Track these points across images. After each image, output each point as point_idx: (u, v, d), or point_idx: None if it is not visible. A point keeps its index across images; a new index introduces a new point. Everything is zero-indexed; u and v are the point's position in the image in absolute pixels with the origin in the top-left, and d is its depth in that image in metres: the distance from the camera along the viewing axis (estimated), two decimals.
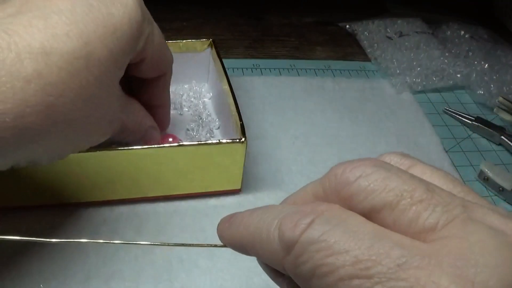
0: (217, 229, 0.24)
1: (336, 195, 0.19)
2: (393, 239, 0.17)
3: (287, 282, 0.22)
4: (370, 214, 0.18)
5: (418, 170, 0.20)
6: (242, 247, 0.22)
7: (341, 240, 0.17)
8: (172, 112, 0.46)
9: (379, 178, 0.18)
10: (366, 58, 0.60)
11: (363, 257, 0.16)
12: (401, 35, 0.61)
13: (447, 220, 0.17)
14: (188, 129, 0.44)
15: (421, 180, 0.18)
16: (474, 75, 0.56)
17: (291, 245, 0.18)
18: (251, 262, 0.35)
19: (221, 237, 0.24)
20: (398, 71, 0.55)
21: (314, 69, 0.57)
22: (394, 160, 0.21)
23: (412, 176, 0.18)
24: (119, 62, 0.28)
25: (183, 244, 0.28)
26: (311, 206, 0.19)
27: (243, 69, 0.55)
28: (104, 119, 0.29)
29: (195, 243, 0.28)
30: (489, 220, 0.17)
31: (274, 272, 0.23)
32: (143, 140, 0.36)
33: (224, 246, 0.24)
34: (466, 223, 0.16)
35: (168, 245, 0.33)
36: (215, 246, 0.24)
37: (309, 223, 0.18)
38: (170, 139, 0.41)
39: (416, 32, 0.62)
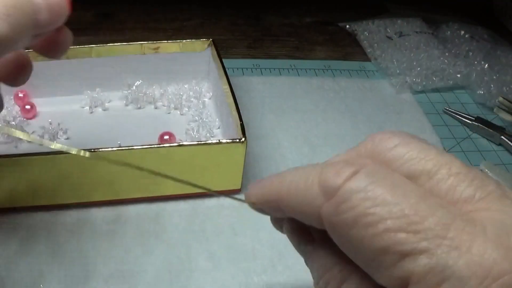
0: (246, 194, 0.24)
1: (372, 160, 0.19)
2: (437, 201, 0.17)
3: (311, 249, 0.22)
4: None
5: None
6: (274, 201, 0.21)
7: (389, 193, 0.16)
8: (172, 112, 0.46)
9: (418, 148, 0.19)
10: (366, 58, 0.60)
11: (410, 212, 0.16)
12: (401, 35, 0.61)
13: (483, 194, 0.17)
14: (188, 129, 0.44)
15: (456, 157, 0.19)
16: (474, 75, 0.56)
17: (333, 191, 0.17)
18: (251, 262, 0.35)
19: (249, 195, 0.23)
20: (398, 71, 0.55)
21: (314, 69, 0.57)
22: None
23: (447, 153, 0.19)
24: None
25: (196, 184, 0.26)
26: (352, 157, 0.19)
27: (243, 69, 0.55)
28: None
29: (212, 191, 0.26)
30: None
31: (301, 236, 0.22)
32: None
33: (253, 203, 0.23)
34: (502, 198, 0.17)
35: (182, 181, 0.28)
36: (236, 199, 0.23)
37: (353, 172, 0.17)
38: (167, 137, 0.41)
39: (416, 32, 0.62)
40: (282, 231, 0.25)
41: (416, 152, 0.19)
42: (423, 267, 0.15)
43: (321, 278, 0.20)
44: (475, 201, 0.17)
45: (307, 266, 0.22)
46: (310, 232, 0.22)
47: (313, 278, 0.21)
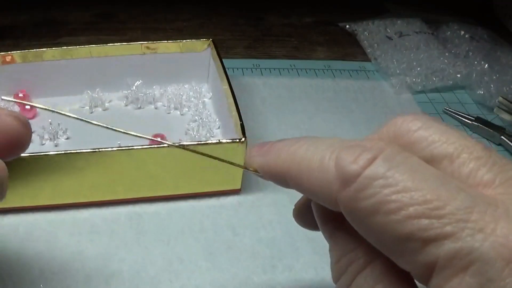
0: (246, 157, 0.22)
1: (397, 141, 0.19)
2: (458, 185, 0.16)
3: (336, 226, 0.21)
4: (429, 164, 0.18)
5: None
6: (281, 176, 0.20)
7: (409, 178, 0.16)
8: (172, 112, 0.46)
9: (440, 131, 0.19)
10: (366, 58, 0.60)
11: (432, 197, 0.16)
12: (401, 35, 0.61)
13: (503, 179, 0.17)
14: (188, 129, 0.44)
15: (479, 140, 0.19)
16: (474, 75, 0.56)
17: (352, 178, 0.17)
18: (251, 262, 0.35)
19: (253, 163, 0.22)
20: (398, 71, 0.55)
21: (314, 69, 0.57)
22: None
23: (470, 136, 0.19)
24: None
25: (203, 153, 0.24)
26: (370, 141, 0.18)
27: (243, 69, 0.55)
28: None
29: (220, 158, 0.25)
30: None
31: (326, 214, 0.22)
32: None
33: (255, 171, 0.22)
34: None
35: (189, 149, 0.27)
36: (245, 168, 0.22)
37: (372, 157, 0.17)
38: (159, 139, 0.41)
39: (416, 32, 0.62)
40: (306, 227, 0.24)
41: (438, 135, 0.18)
42: (448, 252, 0.15)
43: (343, 257, 0.19)
44: (495, 186, 0.17)
45: (328, 244, 0.21)
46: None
47: (331, 257, 0.21)
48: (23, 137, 0.23)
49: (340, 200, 0.18)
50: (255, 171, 0.22)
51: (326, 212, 0.21)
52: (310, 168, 0.19)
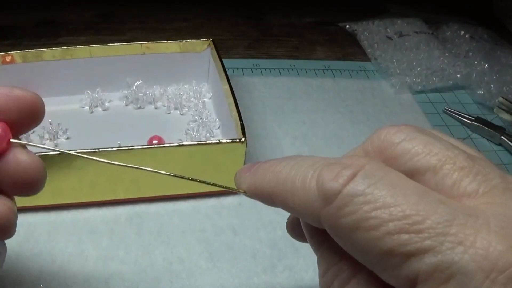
0: (236, 178, 0.23)
1: (379, 156, 0.20)
2: (438, 197, 0.17)
3: (322, 240, 0.21)
4: (412, 176, 0.18)
5: (452, 141, 0.20)
6: (267, 196, 0.21)
7: (388, 194, 0.16)
8: (172, 112, 0.46)
9: (423, 143, 0.19)
10: (366, 58, 0.60)
11: (411, 212, 0.16)
12: (401, 35, 0.61)
13: (487, 188, 0.17)
14: (188, 129, 0.44)
15: (462, 149, 0.19)
16: (474, 75, 0.56)
17: (333, 196, 0.17)
18: (251, 262, 0.35)
19: (241, 184, 0.23)
20: (398, 71, 0.55)
21: (314, 69, 0.56)
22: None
23: (453, 145, 0.19)
24: None
25: (183, 176, 0.24)
26: (350, 158, 0.19)
27: (243, 69, 0.55)
28: None
29: (215, 184, 0.25)
30: None
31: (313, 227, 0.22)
32: None
33: (244, 192, 0.23)
34: (505, 191, 0.17)
35: (178, 176, 0.26)
36: (233, 189, 0.23)
37: (351, 174, 0.17)
38: (155, 141, 0.41)
39: (416, 32, 0.62)
40: (298, 239, 0.24)
41: (422, 146, 0.19)
42: (429, 265, 0.15)
43: (329, 270, 0.20)
44: (479, 196, 0.17)
45: (316, 256, 0.22)
46: None
47: (319, 270, 0.21)
48: (38, 106, 0.23)
49: (322, 218, 0.18)
50: (245, 192, 0.22)
51: (313, 227, 0.21)
52: (294, 188, 0.19)
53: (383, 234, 0.16)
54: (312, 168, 0.19)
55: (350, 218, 0.17)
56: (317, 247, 0.21)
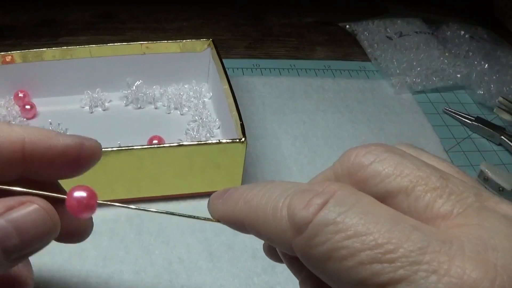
0: (208, 205, 0.23)
1: (349, 179, 0.19)
2: (411, 223, 0.16)
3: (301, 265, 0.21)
4: (384, 199, 0.18)
5: (425, 158, 0.20)
6: (240, 224, 0.20)
7: (359, 223, 0.16)
8: (172, 112, 0.46)
9: (394, 163, 0.18)
10: (366, 58, 0.60)
11: (383, 241, 0.15)
12: (401, 35, 0.61)
13: (461, 208, 0.17)
14: (188, 129, 0.44)
15: (434, 168, 0.18)
16: (474, 75, 0.56)
17: (304, 226, 0.17)
18: (251, 262, 0.35)
19: (213, 212, 0.22)
20: (398, 71, 0.55)
21: (314, 69, 0.57)
22: (403, 147, 0.20)
23: (426, 163, 0.18)
24: None
25: (172, 213, 0.24)
26: (321, 185, 0.18)
27: (243, 69, 0.55)
28: None
29: (188, 215, 0.24)
30: (500, 208, 0.17)
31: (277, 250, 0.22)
32: None
33: (218, 221, 0.22)
34: (480, 211, 0.16)
35: (157, 211, 0.25)
36: (207, 219, 0.22)
37: (322, 203, 0.17)
38: (155, 141, 0.41)
39: (416, 32, 0.62)
40: (278, 262, 0.24)
41: (392, 168, 0.18)
42: None
43: None
44: (453, 217, 0.16)
45: (299, 281, 0.22)
46: None
47: None
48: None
49: (294, 248, 0.18)
50: (218, 221, 0.22)
51: (289, 255, 0.21)
52: (265, 217, 0.19)
53: (356, 264, 0.15)
54: (283, 196, 0.18)
55: (322, 248, 0.16)
56: (297, 273, 0.22)
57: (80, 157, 0.24)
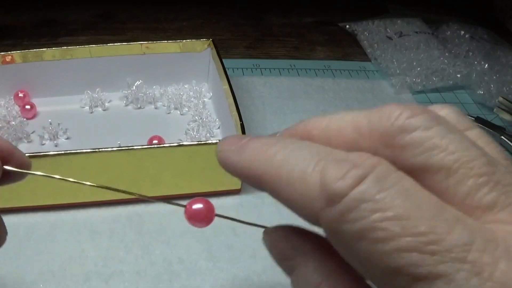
0: (218, 152, 0.20)
1: (384, 139, 0.17)
2: (454, 213, 0.14)
3: (302, 260, 0.19)
4: (419, 173, 0.16)
5: (473, 135, 0.17)
6: (256, 180, 0.18)
7: (401, 205, 0.14)
8: (172, 112, 0.46)
9: (440, 136, 0.16)
10: (366, 58, 0.60)
11: (426, 229, 0.14)
12: (401, 35, 0.61)
13: (506, 203, 0.15)
14: (188, 129, 0.44)
15: (483, 151, 0.16)
16: (474, 75, 0.56)
17: (338, 198, 0.15)
18: (251, 262, 0.35)
19: (225, 161, 0.20)
20: (398, 71, 0.55)
21: (314, 69, 0.57)
22: (451, 116, 0.18)
23: (474, 144, 0.16)
24: None
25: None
26: (360, 156, 0.16)
27: (243, 69, 0.55)
28: None
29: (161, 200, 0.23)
30: None
31: (292, 246, 0.20)
32: None
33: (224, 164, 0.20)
34: None
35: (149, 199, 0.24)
36: (180, 205, 0.21)
37: (361, 176, 0.15)
38: (155, 141, 0.41)
39: (416, 32, 0.62)
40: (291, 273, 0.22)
41: (438, 141, 0.16)
42: None
43: None
44: (496, 211, 0.15)
45: (291, 280, 0.20)
46: (302, 240, 0.20)
47: None
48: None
49: (322, 219, 0.16)
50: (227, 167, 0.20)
51: (282, 253, 0.20)
52: (290, 178, 0.16)
53: (393, 249, 0.14)
54: (315, 160, 0.16)
55: (355, 226, 0.14)
56: (289, 272, 0.20)
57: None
